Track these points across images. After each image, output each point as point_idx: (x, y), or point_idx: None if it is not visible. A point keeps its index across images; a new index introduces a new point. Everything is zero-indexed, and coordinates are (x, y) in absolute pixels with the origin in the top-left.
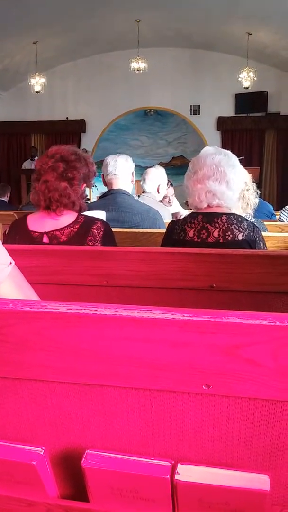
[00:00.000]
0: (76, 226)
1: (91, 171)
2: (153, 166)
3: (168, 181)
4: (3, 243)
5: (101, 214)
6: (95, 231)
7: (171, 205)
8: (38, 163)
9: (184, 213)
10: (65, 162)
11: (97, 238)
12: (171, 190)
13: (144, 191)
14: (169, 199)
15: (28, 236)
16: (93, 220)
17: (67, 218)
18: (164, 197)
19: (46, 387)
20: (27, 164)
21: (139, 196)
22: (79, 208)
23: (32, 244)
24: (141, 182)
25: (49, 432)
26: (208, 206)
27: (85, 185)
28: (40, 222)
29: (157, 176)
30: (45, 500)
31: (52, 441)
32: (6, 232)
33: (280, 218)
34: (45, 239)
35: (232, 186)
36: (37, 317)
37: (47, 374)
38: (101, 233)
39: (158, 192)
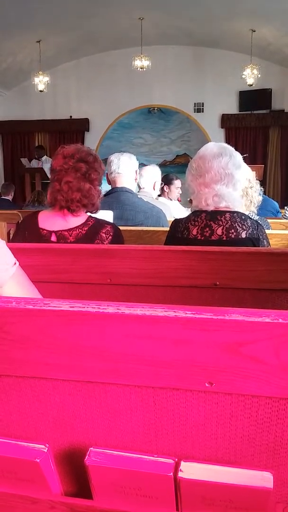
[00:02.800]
0: (85, 229)
1: (103, 170)
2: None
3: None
4: (13, 239)
5: (108, 214)
6: (104, 235)
7: (178, 199)
8: (56, 164)
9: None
10: (85, 163)
11: (105, 243)
12: (178, 183)
13: (140, 189)
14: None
15: (37, 232)
16: (103, 223)
17: (77, 219)
18: (168, 188)
19: (49, 384)
20: (34, 164)
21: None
22: (96, 208)
23: (40, 241)
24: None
25: (52, 429)
26: (215, 208)
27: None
28: (50, 220)
29: (153, 173)
30: (49, 497)
31: (56, 438)
32: (16, 228)
33: (285, 215)
34: (53, 237)
35: (237, 187)
36: (40, 315)
37: (50, 371)
38: (110, 237)
39: (154, 189)
